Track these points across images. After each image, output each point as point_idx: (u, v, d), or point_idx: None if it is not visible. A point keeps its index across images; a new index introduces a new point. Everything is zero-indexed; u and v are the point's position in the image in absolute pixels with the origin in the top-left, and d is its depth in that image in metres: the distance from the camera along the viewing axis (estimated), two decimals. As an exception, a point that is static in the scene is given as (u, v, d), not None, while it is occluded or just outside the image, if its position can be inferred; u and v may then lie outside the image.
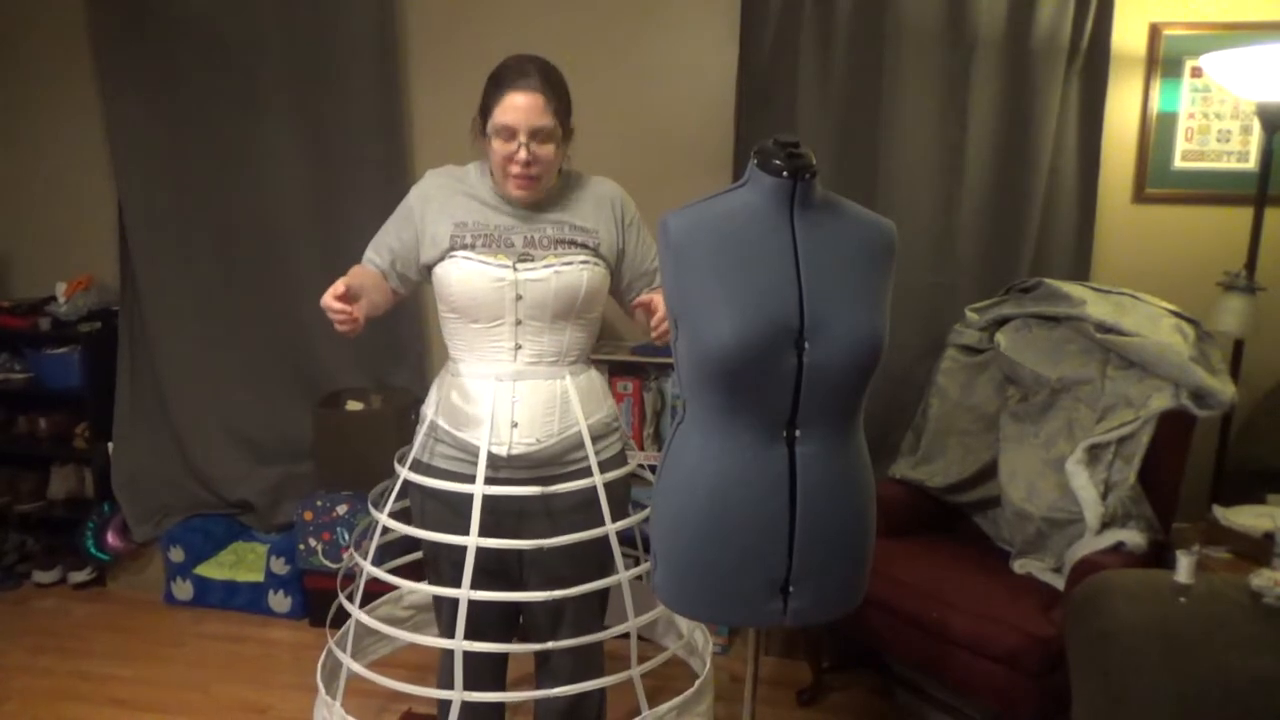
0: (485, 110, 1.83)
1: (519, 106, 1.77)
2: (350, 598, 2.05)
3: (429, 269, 1.92)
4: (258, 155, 3.21)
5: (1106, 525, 2.28)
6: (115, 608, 3.34)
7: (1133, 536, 2.24)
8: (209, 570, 3.32)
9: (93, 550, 3.39)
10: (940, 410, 2.72)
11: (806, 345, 1.48)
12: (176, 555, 3.32)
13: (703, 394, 1.54)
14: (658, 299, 1.82)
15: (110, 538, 3.38)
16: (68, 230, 3.51)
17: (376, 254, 1.98)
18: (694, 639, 2.26)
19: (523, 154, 1.78)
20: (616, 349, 3.02)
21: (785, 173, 1.52)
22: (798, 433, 1.53)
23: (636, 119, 3.06)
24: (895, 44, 2.78)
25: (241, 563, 3.35)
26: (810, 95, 2.85)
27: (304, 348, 3.32)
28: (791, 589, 1.58)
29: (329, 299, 1.70)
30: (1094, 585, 1.92)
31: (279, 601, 3.24)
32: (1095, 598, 1.88)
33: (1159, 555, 2.27)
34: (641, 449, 2.97)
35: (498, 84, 1.81)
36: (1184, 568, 1.86)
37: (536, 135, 1.79)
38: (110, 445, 3.41)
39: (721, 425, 1.54)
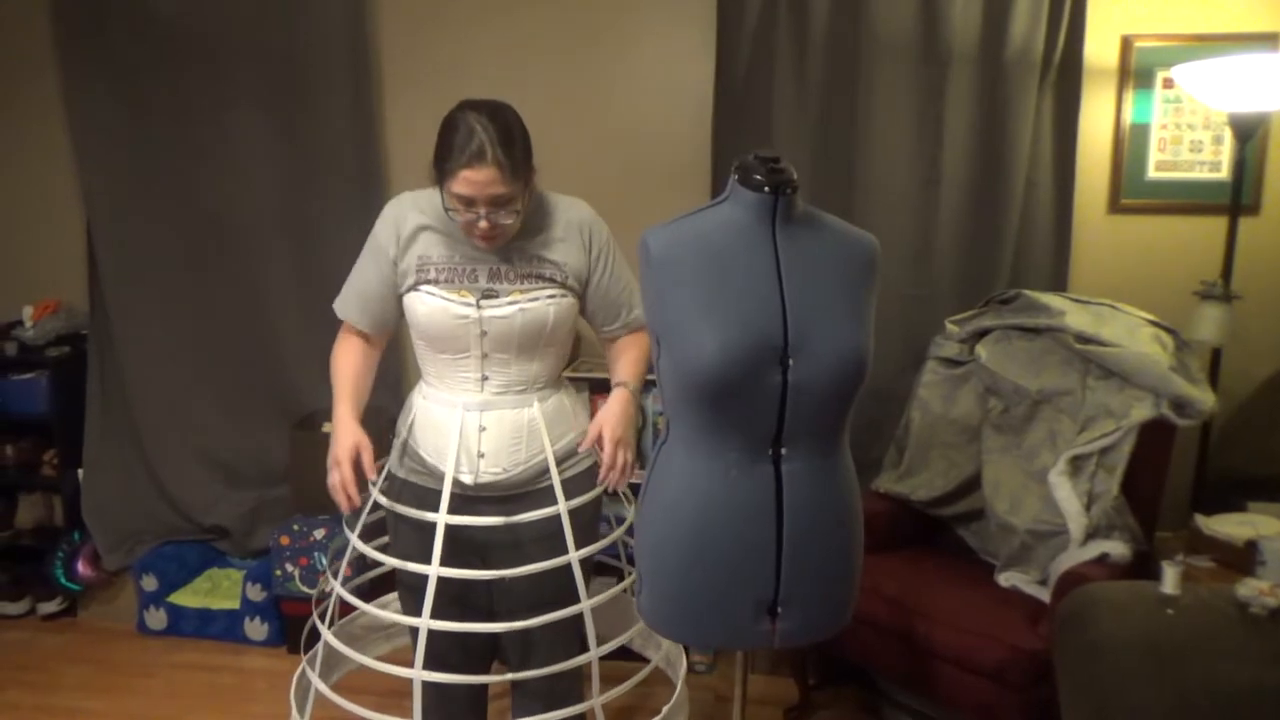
0: (440, 170, 1.73)
1: (475, 181, 1.68)
2: (323, 616, 2.02)
3: (400, 299, 1.90)
4: (229, 174, 3.16)
5: (1090, 536, 2.28)
6: (86, 638, 3.25)
7: (1117, 547, 2.23)
8: (183, 598, 3.25)
9: (62, 580, 3.31)
10: (922, 423, 2.71)
11: (791, 363, 1.47)
12: (149, 583, 3.24)
13: (686, 413, 1.52)
14: (603, 434, 1.81)
15: (81, 567, 3.30)
16: (35, 252, 3.43)
17: (360, 314, 1.94)
18: (670, 655, 2.23)
19: (484, 224, 1.73)
20: (596, 366, 2.99)
21: (766, 188, 1.51)
22: (783, 451, 1.52)
23: (612, 132, 3.04)
24: (871, 57, 2.79)
25: (216, 590, 3.29)
26: (786, 108, 2.85)
27: (278, 369, 3.27)
28: (780, 610, 1.56)
29: (349, 469, 1.86)
30: (1081, 598, 1.91)
31: (255, 629, 3.17)
32: (1083, 611, 1.87)
33: (1142, 565, 2.26)
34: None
35: (449, 154, 1.69)
36: (1170, 579, 1.85)
37: (496, 202, 1.72)
38: (80, 472, 3.33)
39: (706, 444, 1.52)
